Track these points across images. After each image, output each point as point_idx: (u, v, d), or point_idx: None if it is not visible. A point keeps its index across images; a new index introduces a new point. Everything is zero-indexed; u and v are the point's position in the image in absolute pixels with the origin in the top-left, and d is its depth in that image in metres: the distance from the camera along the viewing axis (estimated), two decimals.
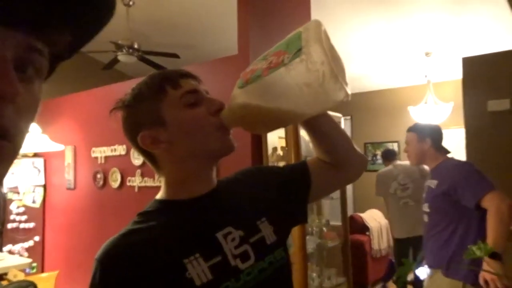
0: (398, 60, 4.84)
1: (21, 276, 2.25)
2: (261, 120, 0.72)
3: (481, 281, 1.76)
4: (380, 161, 5.94)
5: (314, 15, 2.75)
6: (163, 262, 0.69)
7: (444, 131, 2.31)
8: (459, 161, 2.22)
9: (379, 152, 5.94)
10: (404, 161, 3.89)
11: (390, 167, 4.08)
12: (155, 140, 0.75)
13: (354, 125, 6.18)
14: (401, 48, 4.47)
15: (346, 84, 0.68)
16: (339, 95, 0.66)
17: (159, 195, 0.80)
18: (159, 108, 0.75)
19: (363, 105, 6.05)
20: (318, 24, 0.68)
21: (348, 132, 6.05)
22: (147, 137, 0.75)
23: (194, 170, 0.77)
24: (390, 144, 5.84)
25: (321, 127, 0.84)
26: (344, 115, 5.29)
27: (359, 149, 0.93)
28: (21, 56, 0.31)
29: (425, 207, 2.17)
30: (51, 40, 0.33)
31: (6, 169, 0.32)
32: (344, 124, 6.08)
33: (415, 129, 2.33)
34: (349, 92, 0.67)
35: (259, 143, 2.45)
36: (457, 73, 3.44)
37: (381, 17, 3.85)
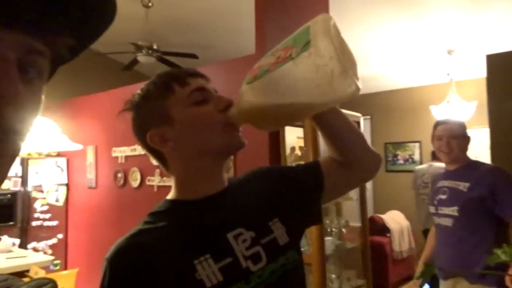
0: (419, 59, 4.74)
1: (42, 274, 2.31)
2: (269, 116, 0.70)
3: (508, 284, 1.70)
4: (401, 161, 5.85)
5: (333, 14, 2.73)
6: (172, 263, 0.68)
7: (467, 131, 2.21)
8: (491, 165, 2.08)
9: (399, 153, 5.84)
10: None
11: (425, 165, 4.38)
12: (163, 139, 0.75)
13: (374, 125, 6.09)
14: (422, 46, 4.38)
15: (357, 78, 0.65)
16: (349, 89, 0.63)
17: (170, 195, 0.80)
18: (166, 106, 0.75)
19: (383, 104, 5.96)
20: (327, 17, 0.66)
21: (368, 132, 5.98)
22: (155, 136, 0.75)
23: (203, 169, 0.77)
24: (412, 144, 5.73)
25: (331, 124, 0.82)
26: (363, 115, 5.22)
27: (373, 147, 0.90)
28: (23, 57, 0.31)
29: (450, 211, 1.97)
30: (52, 42, 0.34)
31: (6, 169, 0.32)
32: (364, 124, 5.99)
33: (458, 123, 2.10)
34: (360, 86, 0.64)
35: (277, 143, 2.44)
36: (481, 71, 3.35)
37: (401, 15, 3.78)
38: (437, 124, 2.14)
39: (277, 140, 2.44)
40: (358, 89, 0.64)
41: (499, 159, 3.07)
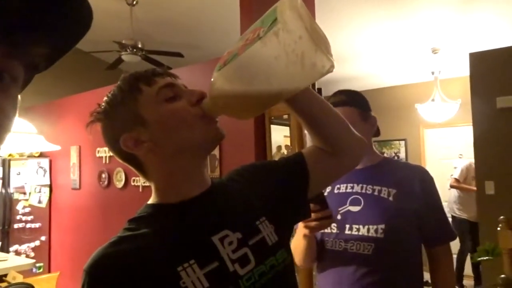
0: (404, 57, 4.78)
1: (20, 278, 2.25)
2: (243, 102, 0.66)
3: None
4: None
5: (319, 14, 2.71)
6: (155, 272, 0.65)
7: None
8: (415, 165, 1.47)
9: (385, 150, 5.89)
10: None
11: None
12: (137, 141, 0.71)
13: None
14: (407, 45, 4.41)
15: (330, 54, 0.62)
16: (322, 66, 0.60)
17: (151, 200, 0.76)
18: (136, 107, 0.71)
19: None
20: None
21: None
22: (129, 140, 0.71)
23: (183, 168, 0.73)
24: (397, 142, 5.78)
25: (306, 106, 0.78)
26: None
27: (356, 132, 0.85)
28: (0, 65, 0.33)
29: (369, 230, 1.23)
30: (28, 51, 0.35)
31: None
32: None
33: (354, 100, 1.39)
34: (334, 62, 0.61)
35: (263, 142, 2.42)
36: (465, 70, 3.39)
37: (387, 14, 3.80)
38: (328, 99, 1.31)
39: (263, 139, 2.42)
40: (332, 65, 0.61)
41: (482, 156, 3.11)
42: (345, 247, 1.24)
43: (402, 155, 5.75)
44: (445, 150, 5.18)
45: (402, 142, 5.74)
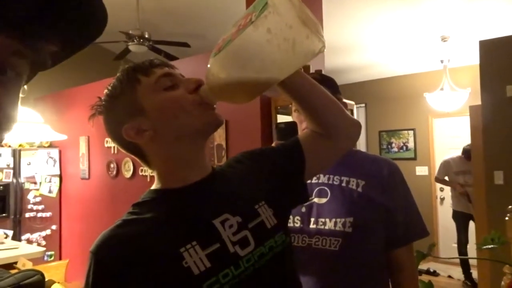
0: (413, 46, 4.71)
1: (29, 265, 2.30)
2: (238, 87, 0.67)
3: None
4: (395, 149, 5.87)
5: (327, 4, 2.69)
6: (158, 252, 0.68)
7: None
8: (382, 157, 1.33)
9: (394, 141, 5.85)
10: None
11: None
12: (139, 130, 0.74)
13: (368, 113, 6.09)
14: (416, 33, 4.35)
15: (321, 35, 0.63)
16: (314, 46, 0.62)
17: (154, 185, 0.79)
18: (135, 97, 0.74)
19: (377, 92, 5.94)
20: None
21: (363, 120, 5.97)
22: (130, 129, 0.74)
23: (184, 155, 0.75)
24: (406, 132, 5.74)
25: (299, 89, 0.80)
26: (358, 103, 5.23)
27: (350, 114, 0.88)
28: (3, 58, 0.32)
29: (337, 224, 1.13)
30: (35, 47, 0.34)
31: None
32: (358, 112, 5.99)
33: (324, 80, 1.11)
34: (325, 43, 0.62)
35: (269, 131, 2.42)
36: (475, 58, 3.33)
37: (395, 2, 3.74)
38: None
39: (269, 129, 2.43)
40: (323, 46, 0.62)
41: (492, 146, 3.08)
42: (309, 242, 1.12)
43: (410, 145, 5.71)
44: (454, 140, 5.13)
45: (411, 132, 5.69)
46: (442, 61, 4.65)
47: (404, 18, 4.03)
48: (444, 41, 4.39)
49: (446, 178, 4.55)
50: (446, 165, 4.51)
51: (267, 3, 0.60)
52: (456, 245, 4.55)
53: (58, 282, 2.25)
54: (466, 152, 4.11)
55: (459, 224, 4.47)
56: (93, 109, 0.78)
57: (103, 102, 0.77)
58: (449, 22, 4.07)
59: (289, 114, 2.47)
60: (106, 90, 0.78)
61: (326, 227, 1.12)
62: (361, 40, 4.51)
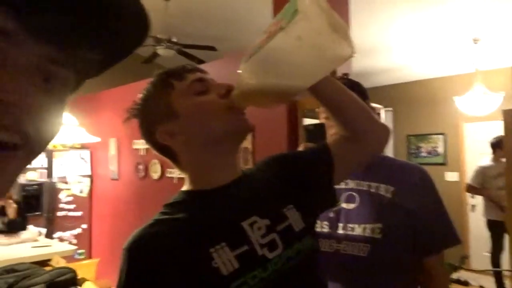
0: (442, 48, 4.59)
1: (62, 263, 2.38)
2: (268, 93, 0.69)
3: None
4: (424, 154, 5.73)
5: (354, 5, 2.66)
6: (189, 252, 0.69)
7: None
8: (413, 164, 1.31)
9: (423, 145, 5.72)
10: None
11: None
12: (171, 134, 0.76)
13: (396, 117, 5.97)
14: (446, 35, 4.24)
15: (351, 40, 0.64)
16: (344, 51, 0.62)
17: (185, 187, 0.81)
18: (168, 101, 0.76)
19: (405, 96, 5.83)
20: None
21: (390, 124, 5.86)
22: (164, 133, 0.76)
23: (214, 158, 0.77)
24: (435, 136, 5.59)
25: (328, 94, 0.81)
26: (385, 107, 5.14)
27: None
28: (45, 67, 0.32)
29: (366, 230, 1.11)
30: (77, 56, 0.34)
31: (17, 174, 0.33)
32: (386, 116, 5.88)
33: (353, 85, 1.08)
34: (355, 48, 0.63)
35: (295, 135, 2.42)
36: (508, 61, 3.22)
37: (423, 3, 3.67)
38: None
39: (295, 133, 2.42)
40: (353, 51, 0.63)
41: None
42: (337, 248, 1.12)
43: (440, 149, 5.56)
44: (486, 145, 4.97)
45: (441, 137, 5.54)
46: (473, 64, 4.52)
47: (434, 19, 3.93)
48: (476, 43, 4.26)
49: (478, 185, 4.37)
50: (482, 172, 4.26)
51: (298, 10, 0.61)
52: (488, 254, 4.39)
53: (89, 280, 2.32)
54: (494, 144, 3.97)
55: (494, 233, 4.30)
56: (128, 112, 0.81)
57: (138, 106, 0.80)
58: (480, 23, 3.95)
59: (316, 117, 2.45)
60: (140, 95, 0.81)
61: (355, 233, 1.11)
62: (387, 42, 4.43)
